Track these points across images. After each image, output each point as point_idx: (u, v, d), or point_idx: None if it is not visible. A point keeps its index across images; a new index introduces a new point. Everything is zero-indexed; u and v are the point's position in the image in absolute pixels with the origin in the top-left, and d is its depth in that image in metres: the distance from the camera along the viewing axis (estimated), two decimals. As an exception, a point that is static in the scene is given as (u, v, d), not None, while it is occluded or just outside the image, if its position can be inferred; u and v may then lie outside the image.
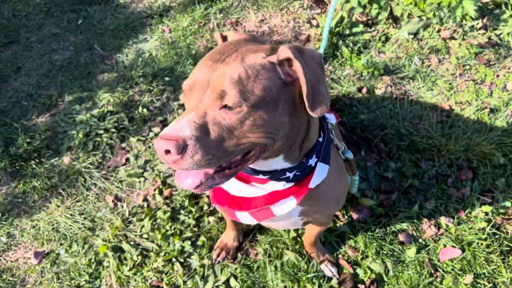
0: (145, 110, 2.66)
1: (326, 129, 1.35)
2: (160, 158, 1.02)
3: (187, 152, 0.95)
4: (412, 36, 2.96)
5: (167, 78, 2.84)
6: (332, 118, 1.50)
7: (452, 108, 2.57)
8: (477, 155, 2.33)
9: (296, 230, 2.11)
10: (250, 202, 1.32)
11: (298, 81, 1.06)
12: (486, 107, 2.56)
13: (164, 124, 2.60)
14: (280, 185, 1.27)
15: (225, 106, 0.98)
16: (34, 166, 2.43)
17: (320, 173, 1.29)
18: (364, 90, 2.67)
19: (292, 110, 1.09)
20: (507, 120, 2.47)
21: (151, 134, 2.54)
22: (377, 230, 2.10)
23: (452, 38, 2.94)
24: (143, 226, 2.16)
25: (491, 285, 1.93)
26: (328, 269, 1.99)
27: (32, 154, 2.48)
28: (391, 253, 2.04)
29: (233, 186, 1.32)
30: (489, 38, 2.92)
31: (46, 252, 2.12)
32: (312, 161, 1.26)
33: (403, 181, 2.27)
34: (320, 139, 1.29)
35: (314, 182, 1.29)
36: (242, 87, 0.98)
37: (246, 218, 1.43)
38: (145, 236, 2.13)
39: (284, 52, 1.03)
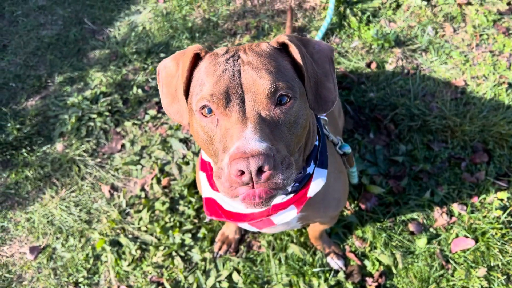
0: (139, 90, 2.51)
1: (320, 130, 1.24)
2: (231, 187, 0.86)
3: (277, 164, 0.85)
4: (425, 3, 2.73)
5: (162, 55, 2.66)
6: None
7: (467, 83, 2.40)
8: (493, 136, 2.19)
9: (300, 221, 2.02)
10: (247, 215, 1.21)
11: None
12: (504, 82, 2.38)
13: (160, 106, 2.46)
14: (279, 199, 1.17)
15: (279, 103, 0.92)
16: (25, 154, 2.31)
17: (319, 179, 1.19)
18: (373, 65, 2.49)
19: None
20: (526, 97, 2.30)
21: (147, 117, 2.40)
22: (386, 219, 2.00)
23: (468, 3, 2.71)
24: (141, 219, 2.07)
25: (504, 277, 1.85)
26: (334, 262, 1.91)
27: (23, 142, 2.36)
28: (400, 244, 1.95)
29: (227, 203, 1.21)
30: (509, 3, 2.69)
31: (42, 246, 2.04)
32: (310, 169, 1.17)
33: (414, 165, 2.15)
34: (316, 143, 1.19)
35: (313, 190, 1.19)
36: (283, 75, 0.94)
37: (245, 226, 1.34)
38: (143, 228, 2.04)
39: (281, 37, 1.00)
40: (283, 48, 1.03)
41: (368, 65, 2.50)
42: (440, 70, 2.46)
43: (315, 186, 1.19)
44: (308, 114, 1.01)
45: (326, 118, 1.38)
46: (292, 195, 1.18)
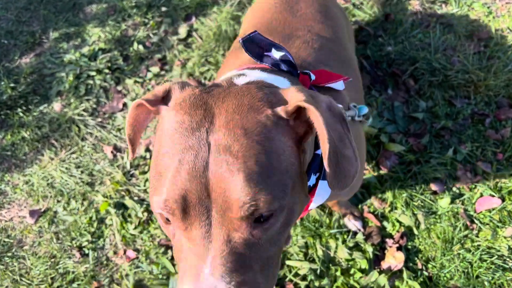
0: (140, 46, 2.35)
1: None
2: None
3: None
4: (445, -49, 2.54)
5: (163, 8, 2.49)
6: (339, 85, 1.09)
7: (491, 36, 2.25)
8: (519, 90, 2.06)
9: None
10: None
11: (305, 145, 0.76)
12: (530, 34, 2.24)
13: (163, 62, 2.30)
14: None
15: (258, 221, 0.67)
16: (21, 114, 2.17)
17: (323, 192, 0.95)
18: (391, 18, 2.33)
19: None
20: (554, 49, 2.16)
21: (149, 75, 2.25)
22: (406, 179, 1.89)
23: (491, -48, 2.53)
24: (146, 180, 1.95)
25: (533, 237, 1.75)
26: (352, 223, 1.81)
27: (18, 101, 2.21)
28: (422, 204, 1.85)
29: None
30: (536, -50, 2.51)
31: (42, 210, 1.93)
32: (310, 182, 0.89)
33: (435, 122, 2.02)
34: (319, 151, 0.89)
35: (315, 203, 1.00)
36: (271, 177, 0.65)
37: None
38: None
39: (295, 97, 0.71)
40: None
41: (386, 18, 2.34)
42: (461, 23, 2.31)
43: (319, 199, 0.98)
44: (302, 204, 0.78)
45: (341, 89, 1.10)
46: None
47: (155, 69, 2.27)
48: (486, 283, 1.67)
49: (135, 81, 2.24)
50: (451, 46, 2.23)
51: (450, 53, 2.20)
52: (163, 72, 2.27)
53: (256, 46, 0.96)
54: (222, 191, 0.63)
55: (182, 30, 2.37)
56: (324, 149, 0.68)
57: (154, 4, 2.51)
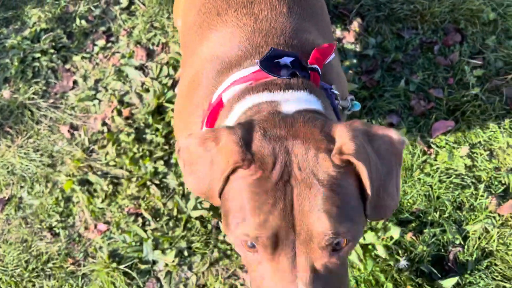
0: (83, 21, 2.28)
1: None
2: None
3: None
4: None
5: (102, -21, 2.41)
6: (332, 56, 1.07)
7: (432, -37, 2.25)
8: (464, 14, 2.08)
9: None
10: None
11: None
12: (470, -43, 2.24)
13: (109, 34, 2.25)
14: None
15: (335, 249, 0.77)
16: (-30, 106, 2.12)
17: None
18: (331, -42, 2.30)
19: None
20: (494, -31, 2.17)
21: (96, 49, 2.20)
22: (362, 115, 1.92)
23: None
24: (107, 153, 1.94)
25: (487, 152, 1.82)
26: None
27: (-35, 94, 2.15)
28: (380, 137, 1.88)
29: None
30: None
31: (6, 198, 1.91)
32: None
33: (386, 56, 2.04)
34: None
35: None
36: (346, 213, 0.77)
37: None
38: (111, 163, 1.92)
39: (346, 149, 0.77)
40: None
41: (326, -42, 2.31)
42: (402, -46, 2.29)
43: None
44: (363, 226, 0.88)
45: (337, 92, 1.08)
46: None
47: (101, 42, 2.21)
48: (446, 202, 1.73)
49: (83, 57, 2.19)
50: (394, -21, 2.22)
51: (394, -14, 2.20)
52: (109, 44, 2.22)
53: (271, 62, 0.94)
54: (306, 229, 0.75)
55: (124, -2, 2.31)
56: (367, 196, 0.79)
57: (91, -25, 2.43)
